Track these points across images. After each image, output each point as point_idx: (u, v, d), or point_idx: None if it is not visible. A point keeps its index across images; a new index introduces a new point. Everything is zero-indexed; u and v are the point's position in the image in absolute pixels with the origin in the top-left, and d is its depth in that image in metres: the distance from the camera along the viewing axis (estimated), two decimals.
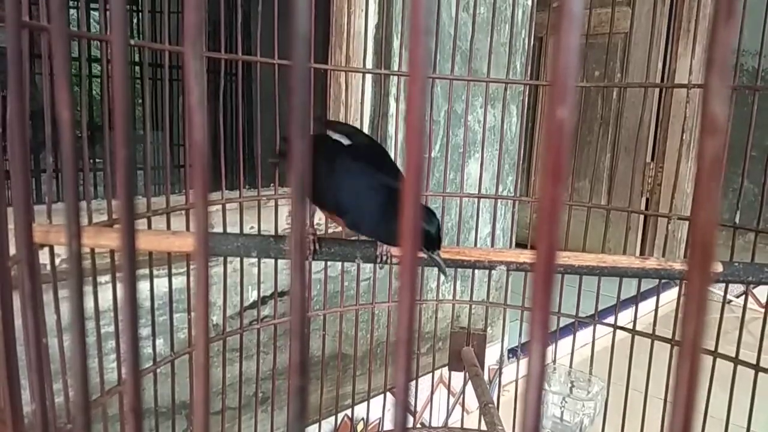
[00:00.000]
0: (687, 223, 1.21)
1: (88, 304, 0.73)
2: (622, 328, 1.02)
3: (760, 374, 0.89)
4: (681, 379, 0.13)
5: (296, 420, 0.16)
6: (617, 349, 1.00)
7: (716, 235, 0.12)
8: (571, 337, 1.09)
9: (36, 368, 0.22)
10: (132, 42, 0.77)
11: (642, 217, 2.68)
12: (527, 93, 1.36)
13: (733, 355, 0.90)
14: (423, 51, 0.16)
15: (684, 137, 2.61)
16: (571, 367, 1.11)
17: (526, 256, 0.64)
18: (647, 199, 2.71)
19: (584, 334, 1.42)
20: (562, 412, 1.04)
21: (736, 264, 0.65)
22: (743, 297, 0.95)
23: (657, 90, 2.57)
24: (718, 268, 0.65)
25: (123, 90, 0.17)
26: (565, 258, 0.62)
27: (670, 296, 2.39)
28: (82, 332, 0.20)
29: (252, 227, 0.96)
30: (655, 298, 1.04)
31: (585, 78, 1.12)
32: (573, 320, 1.05)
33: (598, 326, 1.03)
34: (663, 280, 0.81)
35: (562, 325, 1.08)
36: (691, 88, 0.95)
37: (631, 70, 2.47)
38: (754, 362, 0.89)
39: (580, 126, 2.02)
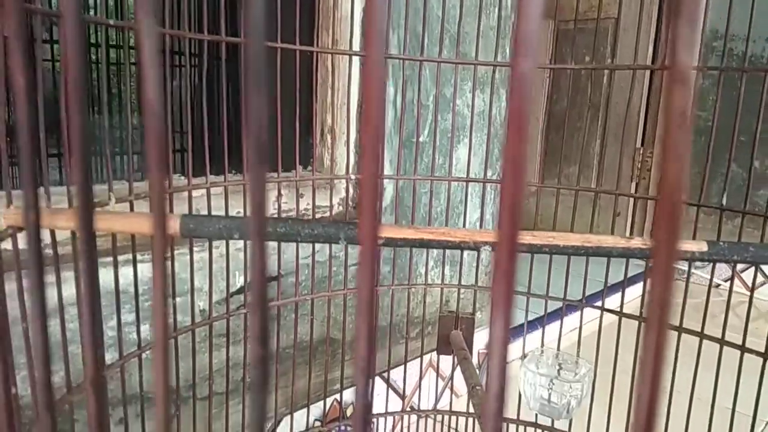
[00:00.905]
0: None
1: (70, 290, 0.72)
2: (609, 310, 1.02)
3: (746, 355, 0.89)
4: (648, 343, 0.13)
5: (258, 391, 0.15)
6: (604, 332, 1.01)
7: (685, 190, 0.11)
8: (559, 321, 1.09)
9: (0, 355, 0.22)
10: (112, 22, 0.76)
11: (631, 202, 2.69)
12: None
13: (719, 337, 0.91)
14: (378, 15, 0.15)
15: None
16: (558, 350, 1.12)
17: None
18: (636, 185, 2.72)
19: (572, 319, 1.42)
20: (549, 394, 1.04)
21: (722, 243, 0.65)
22: (729, 282, 0.95)
23: (647, 75, 2.57)
24: (703, 247, 0.65)
25: (76, 53, 0.17)
26: (550, 238, 0.62)
27: None
28: (43, 313, 0.20)
29: (238, 212, 0.95)
30: (642, 282, 1.05)
31: (574, 63, 1.11)
32: (561, 304, 1.06)
33: (586, 311, 1.04)
34: (650, 264, 0.81)
35: (550, 309, 1.08)
36: None
37: (620, 55, 2.47)
38: (740, 343, 0.89)
39: (569, 112, 2.02)
